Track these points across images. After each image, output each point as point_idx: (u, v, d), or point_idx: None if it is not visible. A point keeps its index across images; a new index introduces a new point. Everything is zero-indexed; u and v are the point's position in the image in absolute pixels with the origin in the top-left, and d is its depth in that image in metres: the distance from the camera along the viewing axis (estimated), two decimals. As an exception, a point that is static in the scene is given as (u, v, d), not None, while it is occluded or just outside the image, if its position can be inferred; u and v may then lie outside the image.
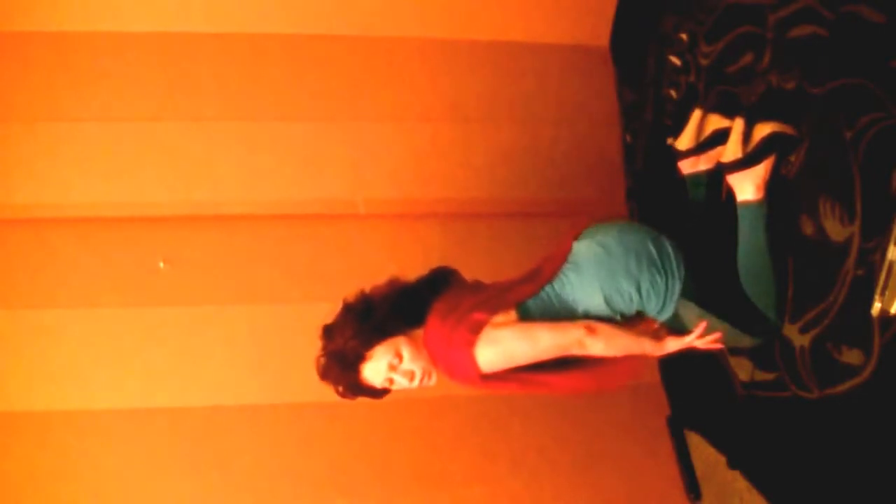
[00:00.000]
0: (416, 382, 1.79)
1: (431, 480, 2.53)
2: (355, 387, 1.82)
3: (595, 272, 1.80)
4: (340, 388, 1.83)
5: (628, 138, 2.91)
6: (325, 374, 1.82)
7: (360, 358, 1.77)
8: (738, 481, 2.22)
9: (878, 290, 1.55)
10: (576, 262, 1.83)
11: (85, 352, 2.54)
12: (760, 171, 1.88)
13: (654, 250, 1.82)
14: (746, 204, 1.89)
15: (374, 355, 1.76)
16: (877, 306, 1.55)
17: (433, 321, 1.76)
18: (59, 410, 2.50)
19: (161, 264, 2.61)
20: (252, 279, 2.65)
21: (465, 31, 2.92)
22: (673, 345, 1.81)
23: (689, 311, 1.85)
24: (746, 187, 1.89)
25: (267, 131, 2.77)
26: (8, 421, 2.48)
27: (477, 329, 1.70)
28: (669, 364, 2.70)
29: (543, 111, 2.91)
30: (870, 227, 1.59)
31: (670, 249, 1.84)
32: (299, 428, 2.55)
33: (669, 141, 2.20)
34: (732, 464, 2.24)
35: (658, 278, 1.80)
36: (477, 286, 1.88)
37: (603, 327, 1.75)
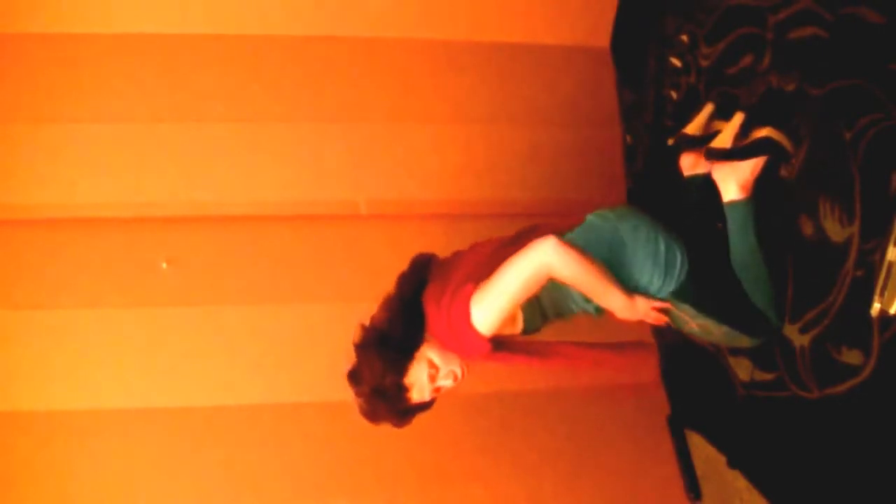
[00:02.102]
0: (460, 377, 1.79)
1: (432, 480, 2.53)
2: (409, 412, 1.81)
3: (603, 254, 1.77)
4: (396, 421, 1.80)
5: (629, 139, 2.92)
6: (375, 416, 1.79)
7: (402, 389, 1.75)
8: (738, 481, 2.22)
9: (878, 290, 1.55)
10: (586, 234, 1.81)
11: (87, 352, 2.55)
12: (745, 170, 1.87)
13: (663, 251, 1.81)
14: (732, 204, 1.90)
15: (412, 378, 1.75)
16: (876, 307, 1.56)
17: (431, 312, 1.75)
18: (62, 410, 2.50)
19: (163, 265, 2.62)
20: (254, 279, 2.65)
21: (466, 32, 2.92)
22: (641, 304, 1.78)
23: (685, 313, 1.85)
24: (730, 186, 1.89)
25: (268, 132, 2.78)
26: (11, 421, 2.49)
27: (467, 300, 1.68)
28: (670, 364, 2.71)
29: (544, 112, 2.92)
30: (869, 227, 1.59)
31: (678, 257, 1.82)
32: (301, 428, 2.56)
33: (670, 142, 2.21)
34: (732, 463, 2.25)
35: (655, 279, 1.80)
36: (458, 259, 1.85)
37: (577, 248, 1.69)
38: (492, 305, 1.66)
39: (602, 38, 3.05)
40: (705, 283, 1.86)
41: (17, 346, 2.54)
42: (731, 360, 2.18)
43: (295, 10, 2.83)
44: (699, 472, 2.52)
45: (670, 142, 2.21)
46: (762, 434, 2.08)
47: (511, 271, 1.66)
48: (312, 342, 2.60)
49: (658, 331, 2.76)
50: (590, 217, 1.86)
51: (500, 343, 1.76)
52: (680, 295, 1.83)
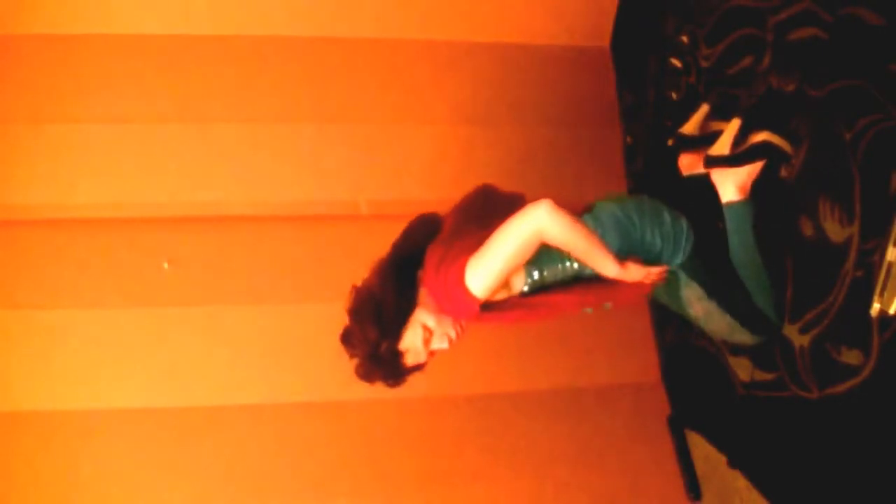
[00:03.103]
0: (454, 338, 1.77)
1: (433, 480, 2.54)
2: (405, 373, 1.79)
3: (613, 232, 1.77)
4: (391, 382, 1.79)
5: (629, 139, 2.92)
6: (370, 377, 1.78)
7: (396, 354, 1.74)
8: (738, 480, 2.23)
9: (877, 290, 1.56)
10: (597, 216, 1.80)
11: (89, 352, 2.55)
12: (743, 174, 1.88)
13: (669, 222, 1.81)
14: (730, 204, 1.91)
15: (407, 342, 1.74)
16: (876, 307, 1.56)
17: (429, 271, 1.73)
18: (64, 410, 2.51)
19: (165, 265, 2.63)
20: (255, 280, 2.66)
21: (466, 33, 2.93)
22: (634, 270, 1.74)
23: (692, 293, 1.86)
24: (728, 188, 1.90)
25: (270, 133, 2.79)
26: (13, 421, 2.49)
27: (463, 264, 1.66)
28: (670, 364, 2.71)
29: (544, 112, 2.93)
30: (869, 228, 1.60)
31: (684, 228, 1.82)
32: (302, 428, 2.56)
33: (670, 143, 2.22)
34: (732, 463, 2.25)
35: (665, 251, 1.80)
36: (462, 225, 1.83)
37: (570, 212, 1.66)
38: (486, 269, 1.65)
39: (602, 38, 3.06)
40: (713, 265, 1.86)
41: (18, 345, 2.55)
42: (732, 361, 2.18)
43: (296, 10, 2.84)
44: (699, 471, 2.52)
45: (670, 142, 2.22)
46: (762, 434, 2.08)
47: (505, 235, 1.64)
48: (313, 342, 2.60)
49: (658, 331, 2.77)
50: (597, 202, 1.86)
51: (488, 304, 1.74)
52: (689, 270, 1.83)
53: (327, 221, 2.79)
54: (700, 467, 2.52)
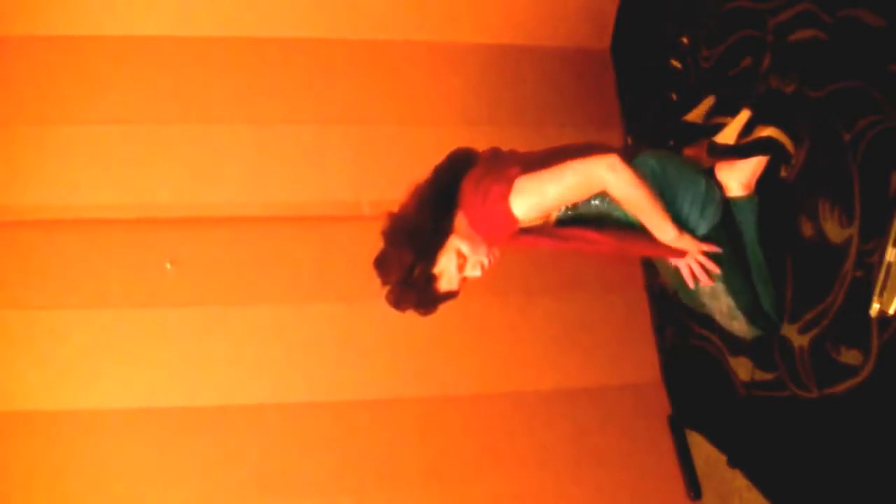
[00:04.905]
0: (487, 265, 1.78)
1: (435, 479, 2.54)
2: (437, 300, 1.79)
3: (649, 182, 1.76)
4: (422, 310, 1.79)
5: (629, 140, 2.93)
6: (402, 303, 1.77)
7: (431, 278, 1.74)
8: (738, 480, 2.24)
9: (877, 291, 1.57)
10: (634, 167, 1.77)
11: (92, 352, 2.56)
12: (746, 169, 1.88)
13: (703, 189, 1.81)
14: (734, 200, 1.91)
15: (441, 268, 1.74)
16: (875, 307, 1.57)
17: (468, 191, 1.72)
18: (67, 410, 2.51)
19: (168, 265, 2.63)
20: (257, 280, 2.66)
21: (468, 34, 2.94)
22: (687, 241, 1.77)
23: None
24: (732, 183, 1.90)
25: (272, 134, 2.79)
26: (17, 420, 2.50)
27: (510, 181, 1.67)
28: (670, 364, 2.72)
29: (546, 114, 2.93)
30: (868, 228, 1.61)
31: (717, 196, 1.83)
32: (305, 427, 2.57)
33: (671, 143, 2.22)
34: (732, 462, 2.26)
35: (693, 214, 1.80)
36: (505, 157, 1.83)
37: (636, 170, 1.68)
38: (537, 194, 1.66)
39: (603, 40, 3.06)
40: (733, 247, 1.86)
41: (21, 346, 2.55)
42: (732, 361, 2.19)
43: (299, 12, 2.84)
44: (699, 470, 2.53)
45: (671, 143, 2.22)
46: (762, 433, 2.09)
47: (567, 172, 1.66)
48: (316, 342, 2.61)
49: (658, 331, 2.78)
50: (640, 155, 1.85)
51: (523, 229, 1.75)
52: (713, 242, 1.82)
53: (330, 222, 2.80)
54: (700, 467, 2.53)
